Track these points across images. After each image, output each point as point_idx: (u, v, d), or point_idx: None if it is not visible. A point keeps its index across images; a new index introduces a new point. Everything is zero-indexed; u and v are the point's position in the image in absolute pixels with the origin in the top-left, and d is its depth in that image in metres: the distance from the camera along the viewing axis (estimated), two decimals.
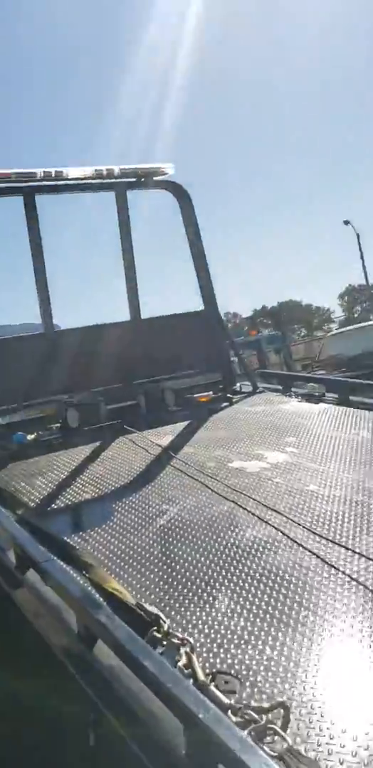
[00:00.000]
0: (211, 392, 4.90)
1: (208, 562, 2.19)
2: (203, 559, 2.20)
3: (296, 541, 2.21)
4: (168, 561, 2.23)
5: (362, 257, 43.22)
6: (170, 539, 2.38)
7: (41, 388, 4.35)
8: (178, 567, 2.18)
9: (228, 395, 4.72)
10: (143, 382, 4.62)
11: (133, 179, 4.52)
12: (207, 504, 2.64)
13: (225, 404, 4.53)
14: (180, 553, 2.27)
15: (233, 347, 5.25)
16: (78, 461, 3.52)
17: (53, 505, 2.90)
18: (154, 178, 4.57)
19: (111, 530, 2.51)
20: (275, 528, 2.34)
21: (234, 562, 2.16)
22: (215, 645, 1.75)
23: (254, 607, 1.90)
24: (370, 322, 13.31)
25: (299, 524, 2.34)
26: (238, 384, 5.00)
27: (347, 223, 42.01)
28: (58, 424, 4.44)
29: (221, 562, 2.16)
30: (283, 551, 2.18)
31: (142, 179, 4.54)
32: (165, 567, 2.20)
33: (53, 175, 4.21)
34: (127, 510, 2.69)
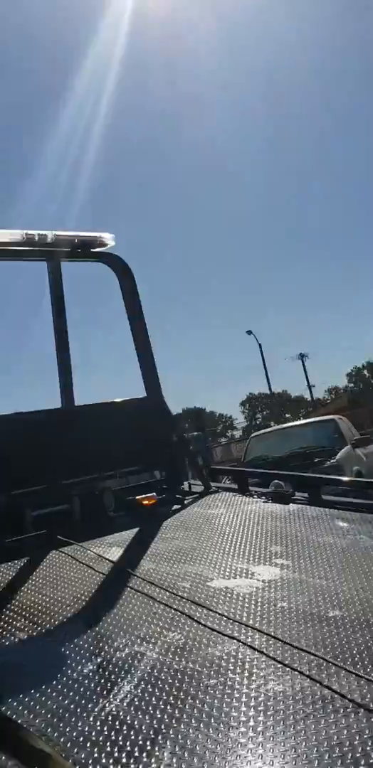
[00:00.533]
0: (154, 493, 4.22)
1: (227, 738, 1.47)
2: (219, 734, 1.48)
3: (356, 702, 1.54)
4: (162, 738, 1.49)
5: (264, 366, 44.60)
6: (159, 702, 1.64)
7: None
8: (183, 750, 1.45)
9: (177, 496, 4.05)
10: (75, 481, 3.87)
11: (68, 249, 3.93)
12: (199, 643, 1.93)
13: (176, 507, 3.85)
14: (181, 726, 1.53)
15: (181, 440, 4.61)
16: (1, 586, 2.70)
17: None
18: (92, 249, 4.00)
19: (67, 692, 1.74)
20: (310, 678, 1.66)
21: (271, 736, 1.45)
22: None
23: None
24: (293, 423, 13.18)
25: (348, 670, 1.68)
26: (185, 483, 4.36)
27: (249, 333, 43.52)
28: None
29: (249, 741, 1.45)
30: (337, 713, 1.50)
31: (79, 249, 3.96)
32: (160, 749, 1.45)
33: None
34: (85, 657, 1.93)
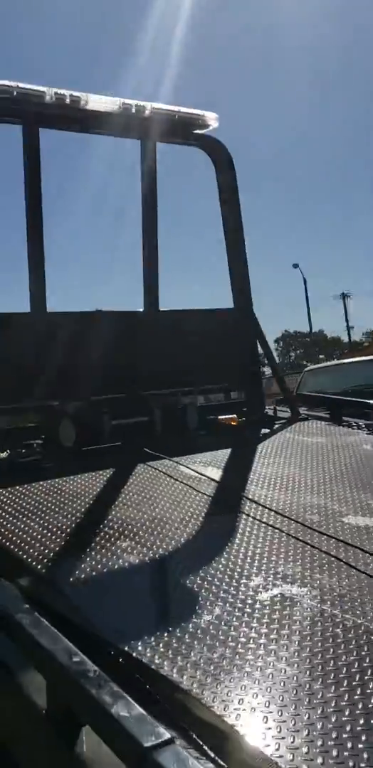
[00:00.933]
0: (235, 414, 3.85)
1: None
2: None
3: None
4: (337, 712, 1.13)
5: (307, 303, 43.46)
6: (330, 662, 1.28)
7: (20, 389, 3.17)
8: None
9: (264, 420, 3.68)
10: (156, 393, 3.51)
11: (167, 126, 3.44)
12: (361, 592, 1.56)
13: (266, 431, 3.48)
14: (360, 696, 1.17)
15: (270, 360, 4.21)
16: (91, 497, 2.38)
17: (77, 575, 1.74)
18: (193, 131, 3.50)
19: (211, 641, 1.39)
20: None
21: None
22: None
23: None
24: (353, 359, 12.65)
25: None
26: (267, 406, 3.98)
27: (295, 266, 42.24)
28: (40, 441, 3.29)
29: None
30: None
31: (178, 128, 3.47)
32: (337, 724, 1.10)
33: (68, 101, 3.09)
34: (220, 596, 1.57)
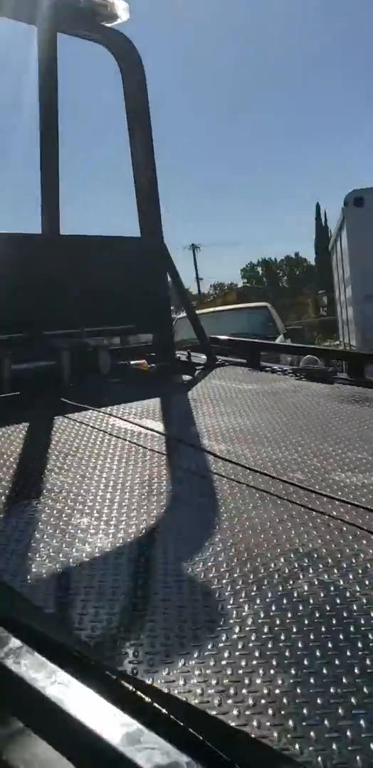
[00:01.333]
0: (144, 360, 3.46)
1: None
2: None
3: None
4: None
5: None
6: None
7: None
8: None
9: (173, 365, 3.34)
10: (61, 333, 3.00)
11: (68, 12, 2.86)
12: None
13: (188, 377, 3.12)
14: None
15: (183, 297, 3.82)
16: (13, 460, 1.91)
17: (34, 569, 1.28)
18: (100, 22, 2.95)
19: (224, 657, 1.01)
20: None
21: None
22: None
23: None
24: (224, 307, 12.56)
25: None
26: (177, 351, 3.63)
27: None
28: None
29: None
30: None
31: (80, 18, 2.90)
32: None
33: None
34: (221, 577, 1.20)
